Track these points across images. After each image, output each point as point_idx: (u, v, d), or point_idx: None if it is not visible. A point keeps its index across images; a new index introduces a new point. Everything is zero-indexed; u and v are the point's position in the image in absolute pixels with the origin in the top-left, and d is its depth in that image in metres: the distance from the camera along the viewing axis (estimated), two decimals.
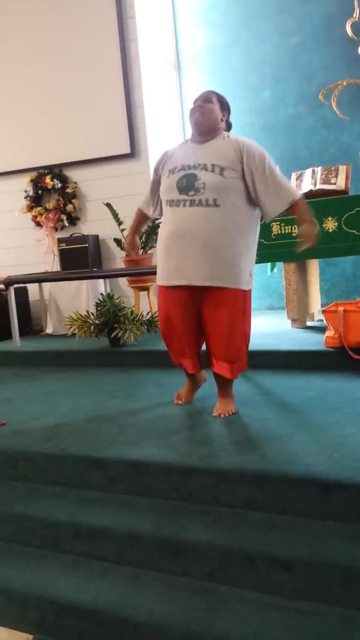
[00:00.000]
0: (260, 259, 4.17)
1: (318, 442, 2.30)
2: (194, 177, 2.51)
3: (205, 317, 2.63)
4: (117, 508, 2.23)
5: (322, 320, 4.55)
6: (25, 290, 5.72)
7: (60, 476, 2.47)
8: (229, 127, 2.75)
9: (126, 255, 4.94)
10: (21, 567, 2.14)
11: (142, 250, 4.98)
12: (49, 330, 5.46)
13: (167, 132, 5.59)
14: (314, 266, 4.74)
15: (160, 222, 4.77)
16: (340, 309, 3.36)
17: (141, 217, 3.01)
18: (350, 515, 1.93)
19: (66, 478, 2.46)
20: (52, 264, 5.71)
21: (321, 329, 4.15)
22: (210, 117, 2.60)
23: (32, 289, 5.72)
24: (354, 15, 4.89)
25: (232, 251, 2.52)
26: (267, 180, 2.52)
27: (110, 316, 4.18)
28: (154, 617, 1.79)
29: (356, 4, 4.87)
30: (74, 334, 4.38)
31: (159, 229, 2.76)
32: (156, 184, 2.80)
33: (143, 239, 4.96)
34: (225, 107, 2.70)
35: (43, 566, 2.12)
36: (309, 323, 4.48)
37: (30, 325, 5.71)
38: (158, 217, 2.94)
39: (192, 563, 1.95)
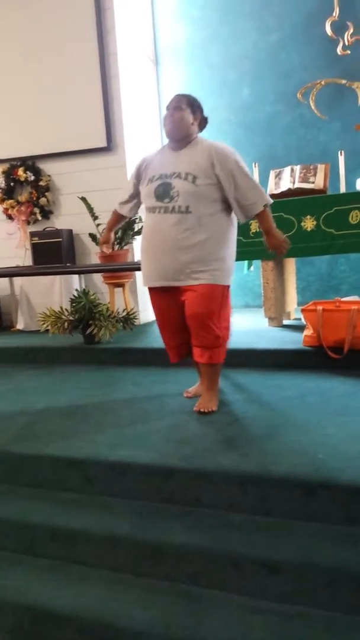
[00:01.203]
0: (239, 257, 4.13)
1: (301, 442, 2.27)
2: (169, 185, 2.61)
3: (185, 312, 2.71)
4: (96, 510, 2.17)
5: (298, 319, 4.55)
6: None
7: (36, 477, 2.40)
8: (204, 123, 2.80)
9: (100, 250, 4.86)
10: None
11: (118, 246, 4.90)
12: (20, 326, 5.34)
13: (144, 127, 5.51)
14: (291, 265, 4.74)
15: (135, 219, 4.74)
16: (320, 308, 3.34)
17: (117, 217, 3.12)
18: (335, 517, 1.91)
19: (42, 479, 2.39)
20: (24, 258, 5.58)
21: (298, 328, 4.14)
22: (181, 126, 2.65)
23: (3, 283, 5.58)
24: (334, 14, 4.89)
25: (202, 252, 2.61)
26: (237, 188, 2.61)
27: (85, 312, 4.10)
28: (136, 622, 1.73)
29: (336, 3, 4.86)
30: (46, 330, 4.28)
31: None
32: (134, 187, 2.90)
33: (119, 234, 4.89)
34: (196, 109, 2.72)
35: (18, 571, 2.04)
36: (285, 322, 4.47)
37: (0, 321, 5.58)
38: (134, 217, 3.13)
39: (174, 566, 1.91)
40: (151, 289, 2.83)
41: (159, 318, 2.90)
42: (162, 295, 2.78)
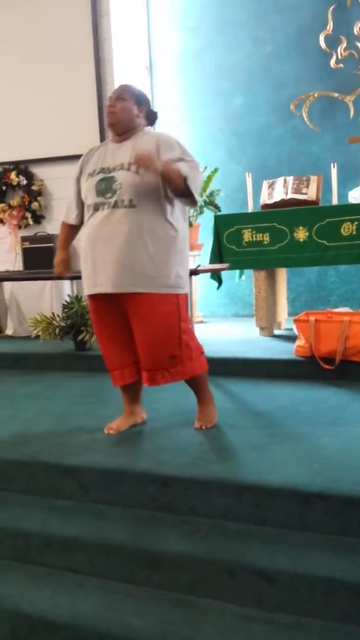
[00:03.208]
0: (232, 266, 4.18)
1: (295, 452, 2.29)
2: (112, 179, 2.41)
3: (132, 326, 2.51)
4: (91, 518, 2.16)
5: (289, 329, 4.59)
6: None
7: (29, 484, 2.38)
8: (151, 118, 2.62)
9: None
10: None
11: None
12: (9, 331, 5.30)
13: None
14: (282, 275, 4.78)
15: None
16: (312, 318, 3.38)
17: (67, 230, 2.76)
18: (330, 527, 1.93)
19: (35, 486, 2.37)
20: (14, 263, 5.56)
21: (289, 338, 4.17)
22: (123, 117, 2.47)
23: None
24: (328, 27, 4.96)
25: (148, 254, 2.39)
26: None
27: (77, 319, 4.10)
28: (132, 631, 1.73)
29: (330, 17, 4.94)
30: (37, 336, 4.26)
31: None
32: (77, 191, 2.64)
33: None
34: (142, 100, 2.55)
35: (13, 578, 2.03)
36: (276, 332, 4.50)
37: None
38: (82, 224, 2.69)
39: (170, 575, 1.91)
40: (89, 297, 2.58)
41: (99, 334, 2.63)
42: (100, 304, 2.54)
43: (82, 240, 2.53)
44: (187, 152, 2.46)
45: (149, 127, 2.62)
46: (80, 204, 2.63)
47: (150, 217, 2.39)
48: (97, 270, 2.44)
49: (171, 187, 2.36)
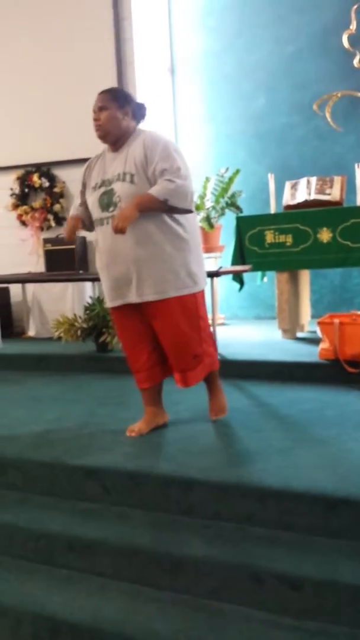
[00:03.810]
0: (254, 268, 4.16)
1: (320, 457, 2.26)
2: (112, 192, 2.42)
3: (155, 330, 2.54)
4: (114, 521, 2.16)
5: (312, 332, 4.54)
6: (7, 290, 5.59)
7: (52, 486, 2.39)
8: (140, 113, 2.55)
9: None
10: (13, 581, 2.04)
11: None
12: (31, 332, 5.34)
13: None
14: (305, 277, 4.73)
15: None
16: (336, 321, 3.33)
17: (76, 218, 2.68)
18: (356, 533, 1.90)
19: (58, 488, 2.38)
20: (36, 265, 5.60)
21: (312, 340, 4.13)
22: (109, 127, 2.43)
23: (15, 289, 5.58)
24: (351, 27, 4.91)
25: (159, 259, 2.41)
26: (152, 161, 2.37)
27: (99, 320, 4.10)
28: (156, 635, 1.72)
29: (353, 15, 4.89)
30: (58, 338, 4.28)
31: None
32: (80, 195, 2.67)
33: None
34: (124, 101, 2.47)
35: (36, 580, 2.03)
36: (299, 334, 4.45)
37: (11, 328, 5.58)
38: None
39: (193, 580, 1.89)
40: (113, 309, 2.62)
41: (126, 340, 2.65)
42: (124, 314, 2.57)
43: (97, 255, 2.59)
44: (170, 155, 2.37)
45: (141, 121, 2.56)
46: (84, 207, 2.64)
47: (155, 222, 2.39)
48: (114, 284, 2.50)
49: (157, 211, 2.36)
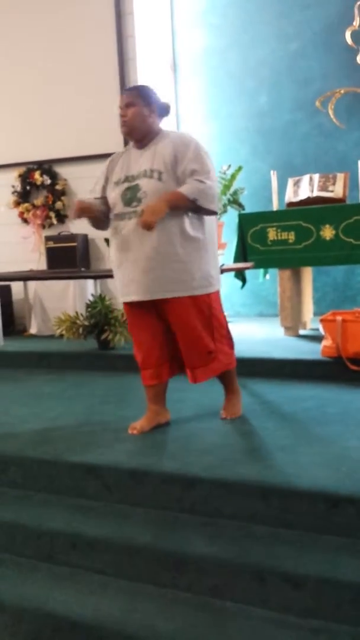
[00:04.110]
0: (256, 265, 4.14)
1: (323, 455, 2.24)
2: (136, 188, 2.42)
3: (171, 327, 2.57)
4: (115, 518, 2.15)
5: (315, 329, 4.52)
6: (8, 288, 5.58)
7: (53, 483, 2.38)
8: (164, 111, 2.57)
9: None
10: (14, 578, 2.03)
11: None
12: (33, 330, 5.33)
13: None
14: (307, 274, 4.72)
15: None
16: (339, 318, 3.32)
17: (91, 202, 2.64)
18: (359, 531, 1.88)
19: (59, 485, 2.37)
20: (38, 262, 5.59)
21: (314, 338, 4.12)
22: (135, 123, 2.46)
23: (16, 287, 5.58)
24: (354, 23, 4.89)
25: (178, 258, 2.43)
26: (182, 162, 2.41)
27: (100, 318, 4.09)
28: (158, 634, 1.71)
29: (357, 12, 4.87)
30: (60, 335, 4.27)
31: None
32: (100, 190, 2.63)
33: None
34: (150, 99, 2.50)
35: (37, 578, 2.02)
36: (301, 332, 4.44)
37: (13, 325, 5.57)
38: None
39: (195, 578, 1.88)
40: (125, 304, 2.62)
41: (138, 335, 2.66)
42: (137, 310, 2.59)
43: (112, 250, 2.59)
44: (201, 158, 2.42)
45: (164, 117, 2.58)
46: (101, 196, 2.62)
47: (178, 221, 2.41)
48: (130, 279, 2.49)
49: (183, 210, 2.40)
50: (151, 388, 2.69)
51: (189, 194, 2.34)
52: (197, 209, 2.41)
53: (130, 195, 2.43)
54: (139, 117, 2.45)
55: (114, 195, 2.50)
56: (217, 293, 2.60)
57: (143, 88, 2.56)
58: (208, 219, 2.53)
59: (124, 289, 2.56)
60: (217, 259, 2.64)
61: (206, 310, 2.52)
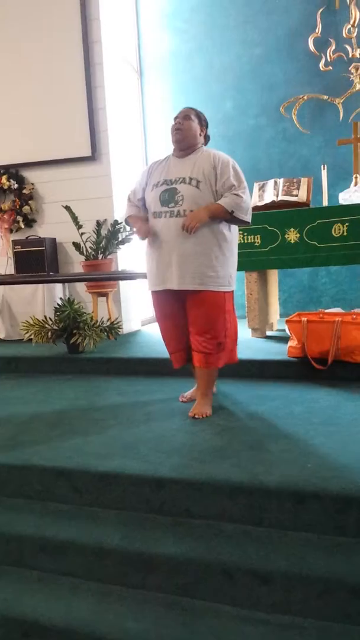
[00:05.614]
0: None
1: (289, 452, 2.28)
2: (175, 190, 2.72)
3: (188, 315, 2.85)
4: (85, 521, 2.15)
5: (282, 330, 4.59)
6: None
7: (22, 488, 2.37)
8: (207, 139, 2.93)
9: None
10: None
11: (102, 255, 4.90)
12: (1, 335, 5.28)
13: (128, 137, 5.53)
14: (273, 276, 4.78)
15: (119, 227, 4.74)
16: (304, 319, 3.38)
17: (134, 206, 3.01)
18: (325, 526, 1.92)
19: (29, 490, 2.35)
20: (6, 267, 5.54)
21: (281, 339, 4.18)
22: (189, 134, 2.77)
23: None
24: (317, 30, 4.98)
25: (206, 257, 2.72)
26: (222, 178, 2.70)
27: (69, 322, 4.08)
28: (128, 634, 1.72)
29: (319, 19, 4.96)
30: (29, 340, 4.24)
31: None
32: (140, 191, 2.95)
33: (103, 244, 4.88)
34: (203, 122, 2.87)
35: (6, 583, 2.01)
36: (268, 333, 4.50)
37: None
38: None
39: (165, 577, 1.90)
40: (154, 293, 2.92)
41: (161, 321, 2.99)
42: (165, 298, 2.88)
43: (147, 244, 2.88)
44: (239, 175, 2.73)
45: (205, 144, 2.91)
46: (139, 200, 2.96)
47: (217, 226, 2.73)
48: (164, 270, 2.79)
49: (221, 219, 2.72)
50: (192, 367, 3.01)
51: (228, 206, 2.66)
52: (232, 219, 2.72)
53: (168, 197, 2.74)
54: (193, 130, 2.78)
55: (152, 196, 2.81)
56: (232, 293, 2.89)
57: (201, 113, 2.88)
58: (234, 227, 2.85)
59: (153, 279, 2.86)
60: (236, 263, 2.90)
61: (222, 306, 2.80)
